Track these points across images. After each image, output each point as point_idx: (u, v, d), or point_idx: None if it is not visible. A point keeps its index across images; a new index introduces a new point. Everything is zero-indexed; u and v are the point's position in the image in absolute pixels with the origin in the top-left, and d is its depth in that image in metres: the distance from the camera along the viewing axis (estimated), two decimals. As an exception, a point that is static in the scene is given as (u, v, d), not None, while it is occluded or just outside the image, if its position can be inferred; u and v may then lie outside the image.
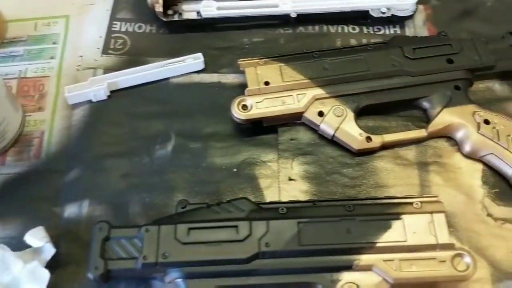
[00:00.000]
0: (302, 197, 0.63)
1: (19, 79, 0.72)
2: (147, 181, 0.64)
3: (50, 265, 0.57)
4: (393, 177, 0.64)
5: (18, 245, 0.58)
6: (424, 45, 0.68)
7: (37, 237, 0.58)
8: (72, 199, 0.63)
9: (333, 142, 0.66)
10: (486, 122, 0.64)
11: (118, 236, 0.56)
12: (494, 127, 0.64)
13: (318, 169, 0.65)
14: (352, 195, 0.63)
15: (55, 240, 0.59)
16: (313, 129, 0.67)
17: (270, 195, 0.63)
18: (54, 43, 0.75)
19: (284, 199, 0.62)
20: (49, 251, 0.57)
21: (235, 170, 0.65)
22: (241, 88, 0.67)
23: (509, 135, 0.63)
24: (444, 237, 0.55)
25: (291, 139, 0.67)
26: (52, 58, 0.74)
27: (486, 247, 0.59)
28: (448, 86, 0.66)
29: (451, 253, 0.54)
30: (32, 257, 0.56)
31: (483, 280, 0.57)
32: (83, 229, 0.61)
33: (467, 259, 0.54)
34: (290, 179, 0.64)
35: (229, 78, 0.72)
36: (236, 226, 0.56)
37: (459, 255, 0.55)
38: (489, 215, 0.62)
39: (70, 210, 0.62)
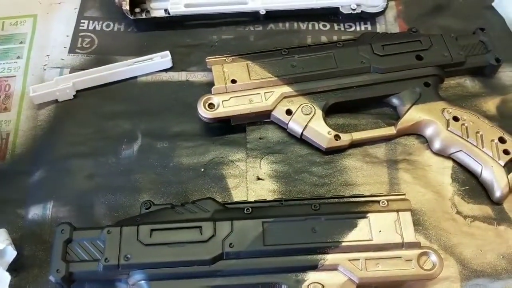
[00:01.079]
0: (270, 197, 0.62)
1: (-16, 80, 0.71)
2: (113, 182, 0.63)
3: (14, 268, 0.56)
4: (362, 175, 0.64)
5: (-21, 249, 0.57)
6: (393, 42, 0.68)
7: (-2, 240, 0.57)
8: (36, 201, 0.62)
9: (302, 140, 0.65)
10: (455, 119, 0.64)
11: (80, 238, 0.55)
12: (463, 124, 0.63)
13: (287, 168, 0.64)
14: (320, 193, 0.63)
15: (18, 242, 0.58)
16: (282, 127, 0.66)
17: (238, 195, 0.62)
18: (21, 42, 0.74)
19: (251, 199, 0.62)
20: (11, 254, 0.56)
21: (202, 170, 0.64)
22: (209, 87, 0.67)
23: (478, 132, 0.63)
24: (410, 235, 0.55)
25: (260, 138, 0.66)
26: (19, 57, 0.73)
27: (455, 245, 0.59)
28: (418, 83, 0.66)
29: (417, 251, 0.54)
30: (-8, 260, 0.55)
31: (452, 279, 0.57)
32: (47, 231, 0.60)
33: (433, 258, 0.54)
34: (258, 179, 0.64)
35: (198, 76, 0.71)
36: (200, 227, 0.55)
37: (425, 253, 0.54)
38: (458, 212, 0.61)
39: (35, 212, 0.61)
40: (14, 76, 0.71)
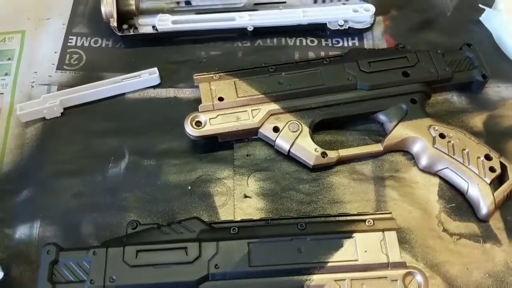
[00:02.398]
0: (258, 215, 0.62)
1: (-28, 97, 0.71)
2: (100, 201, 0.63)
3: (0, 289, 0.56)
4: (349, 192, 0.64)
5: (-34, 270, 0.57)
6: (379, 59, 0.68)
7: (-15, 261, 0.57)
8: (23, 220, 0.62)
9: (289, 157, 0.65)
10: (442, 136, 0.64)
11: (66, 259, 0.55)
12: (449, 141, 0.63)
13: (274, 185, 0.64)
14: (307, 211, 0.63)
15: (5, 262, 0.58)
16: (269, 144, 0.66)
17: (225, 214, 0.63)
18: (9, 59, 0.74)
19: (238, 217, 0.62)
20: (-2, 275, 0.56)
21: (189, 187, 0.64)
22: (197, 103, 0.67)
23: (464, 149, 0.63)
24: (395, 255, 0.55)
25: (247, 155, 0.66)
26: (6, 74, 0.73)
27: (442, 263, 0.59)
28: (404, 100, 0.66)
29: (402, 271, 0.54)
30: (-22, 282, 0.55)
31: (438, 297, 0.57)
32: (34, 251, 0.60)
33: (419, 278, 0.54)
34: (246, 196, 0.64)
35: (186, 93, 0.71)
36: (185, 248, 0.55)
37: (411, 273, 0.54)
38: (444, 230, 0.61)
39: (21, 232, 0.61)
40: (2, 93, 0.71)
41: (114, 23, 0.72)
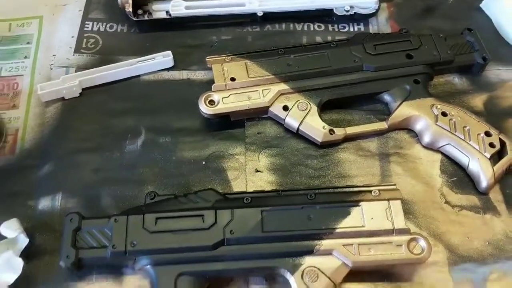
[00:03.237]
0: (268, 188, 0.65)
1: (-7, 78, 0.74)
2: (118, 175, 0.66)
3: (26, 256, 0.59)
4: (355, 167, 0.67)
5: (-8, 237, 0.60)
6: (384, 42, 0.71)
7: (11, 228, 0.60)
8: (46, 193, 0.65)
9: (298, 135, 0.68)
10: (444, 114, 0.67)
11: (89, 226, 0.58)
12: (451, 119, 0.66)
13: (284, 161, 0.67)
14: (316, 185, 0.66)
15: (29, 231, 0.61)
16: (279, 123, 0.69)
17: (237, 186, 0.65)
18: (28, 43, 0.77)
19: (250, 190, 0.64)
20: (23, 241, 0.59)
21: (203, 163, 0.67)
22: (209, 85, 0.70)
23: (465, 126, 0.66)
24: (400, 222, 0.58)
25: (258, 133, 0.69)
26: (26, 57, 0.76)
27: (444, 232, 0.62)
28: (408, 81, 0.69)
29: (406, 237, 0.57)
30: (6, 247, 0.58)
31: (440, 264, 0.60)
32: (57, 221, 0.63)
33: (422, 243, 0.57)
34: (257, 171, 0.67)
35: (198, 75, 0.74)
36: (202, 215, 0.58)
37: (415, 239, 0.57)
38: (446, 202, 0.64)
39: (44, 203, 0.64)
40: (22, 75, 0.74)
41: (129, 8, 0.75)
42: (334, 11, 0.77)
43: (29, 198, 0.64)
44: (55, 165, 0.67)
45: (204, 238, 0.57)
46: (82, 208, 0.63)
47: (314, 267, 0.56)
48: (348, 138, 0.68)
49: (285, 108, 0.68)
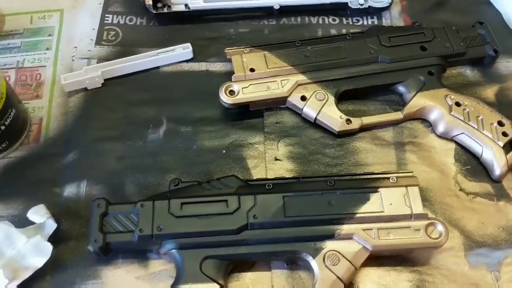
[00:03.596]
0: (288, 175, 0.67)
1: (17, 69, 0.75)
2: (141, 163, 0.68)
3: (52, 241, 0.60)
4: (371, 156, 0.69)
5: (21, 223, 0.61)
6: (399, 34, 0.73)
7: (39, 214, 0.61)
8: (70, 180, 0.67)
9: (315, 124, 0.70)
10: (457, 104, 0.69)
11: (115, 211, 0.60)
12: (464, 109, 0.68)
13: (302, 149, 0.69)
14: (333, 173, 0.67)
15: (56, 217, 0.62)
16: (296, 113, 0.71)
17: (257, 174, 0.67)
18: (49, 35, 0.79)
19: (271, 177, 0.66)
20: (51, 226, 0.61)
21: (224, 151, 0.69)
22: (228, 76, 0.72)
23: (478, 116, 0.68)
24: (418, 208, 0.60)
25: (276, 123, 0.71)
26: (48, 49, 0.78)
27: (459, 219, 0.64)
28: (422, 72, 0.71)
29: (424, 222, 0.59)
30: (35, 233, 0.60)
31: (456, 249, 0.62)
32: (82, 207, 0.64)
33: (440, 228, 0.59)
34: (276, 159, 0.68)
35: (217, 67, 0.76)
36: (226, 201, 0.60)
37: (432, 224, 0.59)
38: (461, 189, 0.66)
39: (69, 190, 0.66)
40: (44, 66, 0.76)
41: (149, 1, 0.76)
42: (349, 4, 0.79)
43: (55, 185, 0.66)
44: (79, 153, 0.68)
45: (228, 223, 0.58)
46: (106, 195, 0.64)
47: (335, 251, 0.58)
48: (364, 128, 0.70)
49: (303, 98, 0.70)
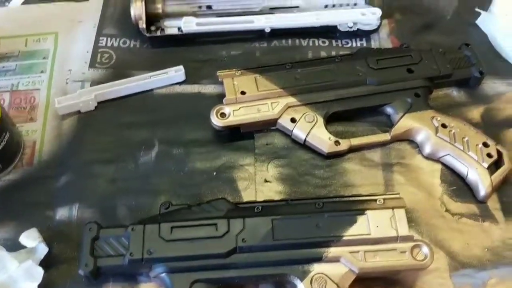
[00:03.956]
0: (278, 197, 0.68)
1: (11, 92, 0.77)
2: (133, 186, 0.69)
3: (44, 264, 0.61)
4: (360, 177, 0.70)
5: (13, 247, 0.62)
6: (386, 56, 0.75)
7: (31, 238, 0.62)
8: (63, 203, 0.68)
9: (305, 146, 0.71)
10: (444, 126, 0.70)
11: (106, 235, 0.61)
12: (450, 130, 0.70)
13: (292, 171, 0.70)
14: (323, 194, 0.68)
15: (48, 241, 0.63)
16: (286, 134, 0.72)
17: (247, 196, 0.68)
18: (44, 58, 0.80)
19: (260, 199, 0.67)
20: (43, 250, 0.62)
21: (215, 173, 0.70)
22: (220, 98, 0.73)
23: (464, 137, 0.69)
24: (404, 230, 0.61)
25: (267, 144, 0.72)
26: (42, 72, 0.79)
27: (444, 239, 0.65)
28: (409, 94, 0.72)
29: (410, 244, 0.60)
30: (26, 257, 0.60)
31: (441, 270, 0.63)
32: (74, 230, 0.65)
33: (425, 250, 0.60)
34: (266, 181, 0.70)
35: (209, 89, 0.78)
36: (215, 224, 0.61)
37: (418, 246, 0.60)
38: (447, 210, 0.67)
39: (62, 213, 0.67)
40: (39, 89, 0.77)
41: (143, 25, 0.78)
42: (338, 27, 0.81)
43: (47, 208, 0.67)
44: (72, 176, 0.70)
45: (217, 246, 0.59)
46: (98, 218, 0.65)
47: (323, 273, 0.59)
48: (352, 149, 0.71)
49: (293, 120, 0.71)
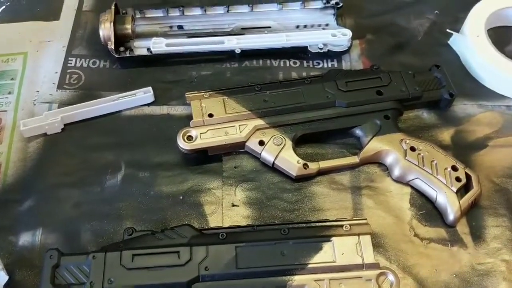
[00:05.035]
0: (244, 222, 0.67)
1: (-23, 114, 0.76)
2: (98, 210, 0.68)
3: (4, 292, 0.60)
4: (328, 201, 0.69)
5: (-27, 274, 0.61)
6: (356, 79, 0.74)
7: (-9, 266, 0.61)
8: (26, 228, 0.66)
9: (273, 169, 0.71)
10: (412, 149, 0.70)
11: (67, 262, 0.60)
12: (419, 154, 0.69)
13: (260, 195, 0.70)
14: (290, 218, 0.68)
15: (9, 267, 0.62)
16: (255, 157, 0.72)
17: (214, 221, 0.67)
18: (12, 79, 0.79)
19: (226, 224, 0.67)
20: (3, 278, 0.61)
21: (181, 197, 0.69)
22: (189, 119, 0.72)
23: (433, 161, 0.68)
24: (369, 257, 0.60)
25: (235, 167, 0.72)
26: (9, 93, 0.78)
27: (413, 265, 0.65)
28: (378, 116, 0.72)
29: (376, 272, 0.59)
30: (-14, 285, 0.60)
31: (409, 296, 0.62)
32: (37, 256, 0.64)
33: (391, 278, 0.59)
34: (233, 205, 0.69)
35: (178, 110, 0.77)
36: (177, 252, 0.60)
37: (384, 273, 0.59)
38: (416, 235, 0.67)
39: (25, 239, 0.66)
40: (5, 111, 0.76)
41: (111, 45, 0.77)
42: (309, 48, 0.80)
43: (10, 233, 0.66)
44: (37, 200, 0.69)
45: (179, 275, 0.59)
46: (62, 244, 0.65)
47: (286, 302, 0.58)
48: (321, 172, 0.71)
49: (261, 143, 0.70)
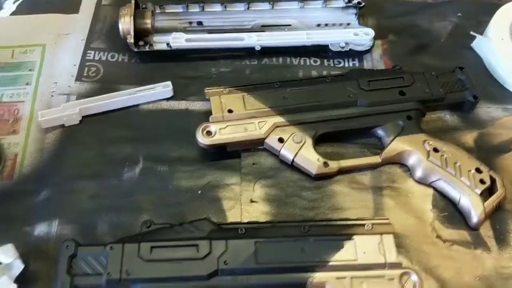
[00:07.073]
0: (263, 218, 0.66)
1: (-6, 104, 0.75)
2: (115, 202, 0.67)
3: (20, 281, 0.59)
4: (349, 200, 0.68)
5: (-13, 263, 0.60)
6: (378, 78, 0.73)
7: (6, 254, 0.60)
8: (42, 219, 0.65)
9: (292, 167, 0.70)
10: (435, 150, 0.68)
11: (84, 253, 0.59)
12: (442, 155, 0.68)
13: (279, 192, 0.68)
14: (310, 216, 0.66)
15: (25, 257, 0.61)
16: (274, 154, 0.71)
17: (232, 216, 0.66)
18: (30, 70, 0.79)
19: (245, 220, 0.65)
20: (18, 267, 0.60)
21: (199, 192, 0.68)
22: (207, 115, 0.71)
23: (456, 163, 0.67)
24: (392, 256, 0.59)
25: (253, 164, 0.71)
26: (27, 84, 0.77)
27: (435, 267, 0.63)
28: (401, 116, 0.71)
29: (398, 271, 0.58)
30: (1, 273, 0.58)
31: (431, 298, 0.61)
32: (52, 247, 0.63)
33: (414, 278, 0.58)
34: (252, 201, 0.68)
35: (197, 106, 0.76)
36: (196, 245, 0.59)
37: (407, 273, 0.58)
38: (438, 237, 0.65)
39: (40, 229, 0.65)
40: (23, 101, 0.75)
41: (131, 39, 0.77)
42: (330, 47, 0.80)
43: (26, 224, 0.65)
44: (53, 191, 0.68)
45: (198, 268, 0.57)
46: (78, 235, 0.63)
47: (307, 299, 0.57)
48: (342, 171, 0.69)
49: (281, 140, 0.69)
